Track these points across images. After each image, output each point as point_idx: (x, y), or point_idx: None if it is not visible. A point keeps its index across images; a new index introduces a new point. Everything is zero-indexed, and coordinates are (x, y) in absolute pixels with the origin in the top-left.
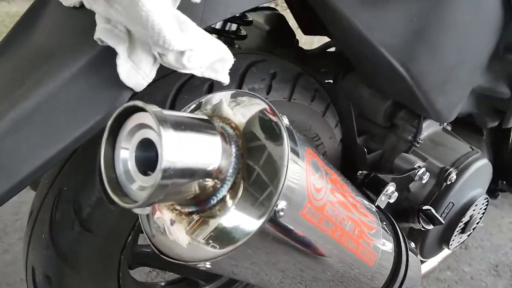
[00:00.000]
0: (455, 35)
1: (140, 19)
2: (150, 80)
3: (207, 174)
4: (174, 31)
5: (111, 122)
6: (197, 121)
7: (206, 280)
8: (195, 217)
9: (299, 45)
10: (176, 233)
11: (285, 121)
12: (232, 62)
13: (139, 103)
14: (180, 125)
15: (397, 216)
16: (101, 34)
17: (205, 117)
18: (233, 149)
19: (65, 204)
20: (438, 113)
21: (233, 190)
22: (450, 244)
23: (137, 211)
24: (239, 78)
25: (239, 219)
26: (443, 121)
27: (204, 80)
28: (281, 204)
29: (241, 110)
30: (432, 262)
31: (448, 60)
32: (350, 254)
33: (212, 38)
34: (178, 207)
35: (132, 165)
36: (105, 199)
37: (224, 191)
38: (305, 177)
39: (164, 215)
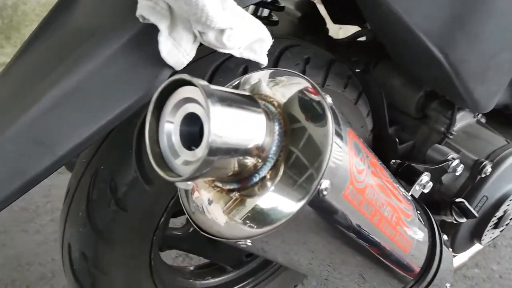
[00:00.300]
0: (497, 22)
1: None
2: (190, 59)
3: (250, 151)
4: (217, 9)
5: (157, 96)
6: (243, 98)
7: (233, 266)
8: (233, 196)
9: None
10: (214, 212)
11: (329, 100)
12: (271, 43)
13: (186, 76)
14: (226, 100)
15: (429, 208)
16: (144, 11)
17: (250, 94)
18: (277, 127)
19: (101, 183)
20: (476, 102)
21: (274, 169)
22: (482, 239)
23: (180, 185)
24: (274, 62)
25: (278, 199)
26: (480, 111)
27: (239, 62)
28: (325, 183)
29: (281, 90)
30: (462, 257)
31: (489, 47)
32: (387, 240)
33: (252, 18)
34: (219, 184)
35: (176, 140)
36: (140, 179)
37: (266, 169)
38: (347, 157)
39: (202, 195)
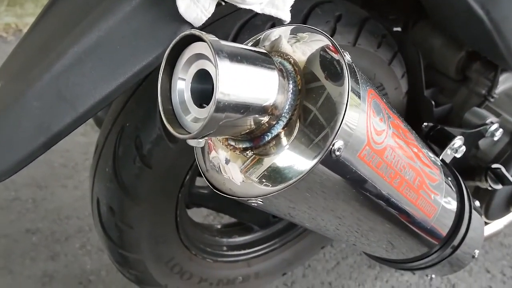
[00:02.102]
0: None
1: None
2: (209, 15)
3: (262, 109)
4: None
5: (169, 52)
6: (255, 54)
7: (260, 226)
8: (249, 154)
9: None
10: (230, 171)
11: (347, 57)
12: None
13: (196, 32)
14: (237, 57)
15: (463, 173)
16: None
17: (264, 51)
18: (291, 85)
19: (127, 140)
20: None
21: (288, 128)
22: None
23: (191, 143)
24: (302, 19)
25: (294, 157)
26: None
27: (265, 19)
28: (338, 144)
29: (301, 47)
30: (497, 225)
31: None
32: (408, 203)
33: None
34: (233, 143)
35: (188, 96)
36: (164, 136)
37: (279, 128)
38: (365, 118)
39: (219, 154)
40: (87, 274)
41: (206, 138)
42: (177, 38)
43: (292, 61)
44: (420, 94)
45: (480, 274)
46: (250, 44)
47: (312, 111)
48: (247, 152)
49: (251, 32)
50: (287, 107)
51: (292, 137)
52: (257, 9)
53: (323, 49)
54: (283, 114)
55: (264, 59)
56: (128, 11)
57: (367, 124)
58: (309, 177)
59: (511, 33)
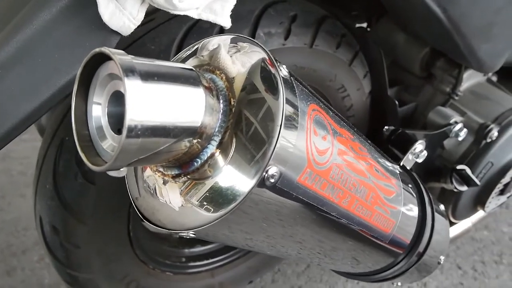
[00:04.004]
0: None
1: None
2: (138, 23)
3: (187, 131)
4: None
5: (80, 72)
6: (178, 72)
7: None
8: (184, 179)
9: None
10: (168, 194)
11: (284, 72)
12: (234, 3)
13: (105, 49)
14: (153, 76)
15: (428, 175)
16: None
17: (188, 67)
18: (221, 105)
19: (67, 154)
20: (480, 62)
21: (223, 148)
22: (487, 206)
23: (111, 173)
24: (254, 21)
25: (233, 179)
26: (485, 71)
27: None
28: (272, 170)
29: (241, 58)
30: (465, 223)
31: (492, 1)
32: (362, 221)
33: None
34: (161, 169)
35: (104, 121)
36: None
37: (209, 152)
38: (304, 138)
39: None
40: None
41: (125, 168)
42: (87, 57)
43: (224, 77)
44: (383, 93)
45: (451, 271)
46: (188, 53)
47: (245, 132)
48: (180, 178)
49: (198, 36)
50: (217, 128)
51: (229, 158)
52: (194, 14)
53: (261, 62)
54: (213, 136)
55: (188, 77)
56: (48, 20)
57: (307, 145)
58: (246, 204)
59: (470, 31)
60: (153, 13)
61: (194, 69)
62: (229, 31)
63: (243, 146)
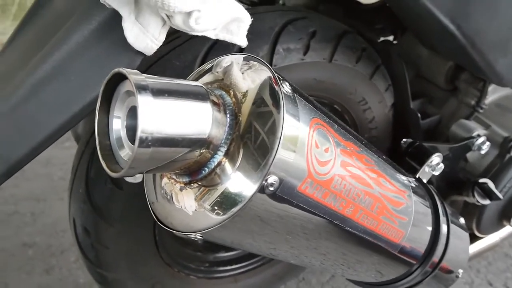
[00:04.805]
0: None
1: None
2: (160, 43)
3: (195, 142)
4: None
5: (103, 89)
6: (187, 89)
7: None
8: (195, 186)
9: None
10: (184, 200)
11: (286, 88)
12: (249, 23)
13: (122, 70)
14: (163, 93)
15: (451, 187)
16: None
17: (198, 84)
18: (228, 119)
19: (99, 161)
20: (499, 76)
21: (230, 157)
22: None
23: (128, 179)
24: (274, 37)
25: (239, 186)
26: (506, 85)
27: None
28: (271, 179)
29: (252, 75)
30: (493, 238)
31: (507, 16)
32: (368, 230)
33: None
34: (174, 177)
35: (123, 133)
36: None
37: (215, 161)
38: (305, 150)
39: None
40: None
41: (140, 174)
42: (108, 76)
43: (232, 93)
44: (406, 106)
45: (482, 287)
46: (204, 70)
47: (252, 143)
48: (192, 184)
49: (220, 52)
50: (223, 140)
51: (236, 166)
52: (211, 35)
53: (267, 79)
54: (220, 147)
55: (197, 94)
56: (81, 42)
57: (307, 156)
58: (248, 210)
59: (486, 47)
60: (178, 31)
61: (203, 86)
62: (250, 47)
63: (250, 155)
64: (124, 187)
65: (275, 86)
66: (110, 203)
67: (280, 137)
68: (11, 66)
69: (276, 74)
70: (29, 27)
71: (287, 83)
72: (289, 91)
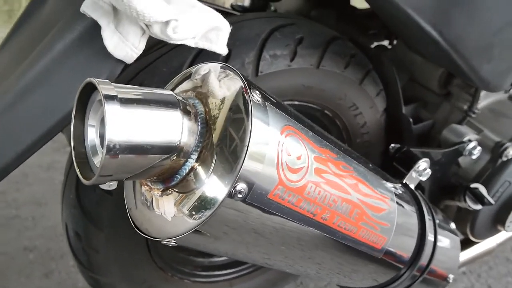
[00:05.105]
0: None
1: None
2: (140, 52)
3: (165, 150)
4: (149, 2)
5: (77, 98)
6: (157, 97)
7: None
8: (170, 192)
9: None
10: (164, 205)
11: (256, 97)
12: (228, 31)
13: (93, 80)
14: (132, 101)
15: (443, 192)
16: (86, 6)
17: (169, 93)
18: (199, 127)
19: None
20: (485, 81)
21: (204, 163)
22: (507, 225)
23: (103, 186)
24: (260, 44)
25: (213, 191)
26: (492, 90)
27: None
28: (240, 186)
29: (228, 83)
30: (489, 243)
31: (489, 22)
32: (347, 237)
33: (204, 7)
34: (149, 184)
35: (97, 140)
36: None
37: (187, 168)
38: (275, 157)
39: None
40: None
41: (113, 181)
42: (81, 86)
43: (205, 102)
44: (398, 111)
45: None
46: (183, 76)
47: (225, 149)
48: (168, 191)
49: (206, 59)
50: (194, 147)
51: (210, 172)
52: (191, 43)
53: (241, 87)
54: (191, 154)
55: (166, 102)
56: (64, 50)
57: (277, 164)
58: (219, 216)
59: (469, 52)
60: None
61: (174, 94)
62: (237, 53)
63: (222, 161)
64: (113, 193)
65: (245, 95)
66: (100, 208)
67: (248, 145)
68: (4, 69)
69: (246, 83)
70: (17, 36)
71: (257, 92)
72: (259, 99)
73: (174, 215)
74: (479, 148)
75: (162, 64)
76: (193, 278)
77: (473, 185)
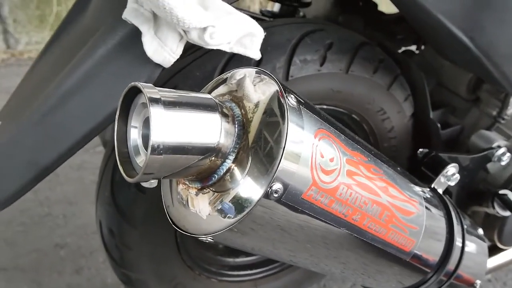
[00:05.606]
0: None
1: None
2: (177, 56)
3: (204, 150)
4: (188, 9)
5: (121, 101)
6: (198, 101)
7: None
8: (207, 191)
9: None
10: (199, 204)
11: (291, 101)
12: (262, 37)
13: (137, 84)
14: (174, 105)
15: (471, 198)
16: (127, 13)
17: (209, 97)
18: (236, 129)
19: None
20: None
21: (240, 164)
22: None
23: (144, 184)
24: (291, 49)
25: (248, 192)
26: None
27: None
28: (276, 186)
29: (262, 87)
30: None
31: None
32: (376, 237)
33: (239, 13)
34: (187, 183)
35: (139, 141)
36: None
37: (224, 169)
38: (310, 159)
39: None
40: None
41: (155, 179)
42: (125, 89)
43: (241, 105)
44: (426, 116)
45: None
46: (220, 80)
47: (261, 151)
48: (205, 190)
49: (238, 64)
50: (231, 148)
51: (245, 173)
52: (226, 48)
53: (276, 91)
54: (228, 155)
55: (206, 105)
56: (105, 55)
57: (312, 165)
58: (254, 215)
59: (500, 58)
60: None
61: (213, 98)
62: (268, 59)
63: (258, 163)
64: (147, 191)
65: (281, 99)
66: (134, 206)
67: (284, 147)
68: (42, 78)
69: (282, 87)
70: (59, 41)
71: (293, 96)
72: (295, 103)
73: (209, 214)
74: (508, 154)
75: (196, 68)
76: (219, 277)
77: (501, 191)
